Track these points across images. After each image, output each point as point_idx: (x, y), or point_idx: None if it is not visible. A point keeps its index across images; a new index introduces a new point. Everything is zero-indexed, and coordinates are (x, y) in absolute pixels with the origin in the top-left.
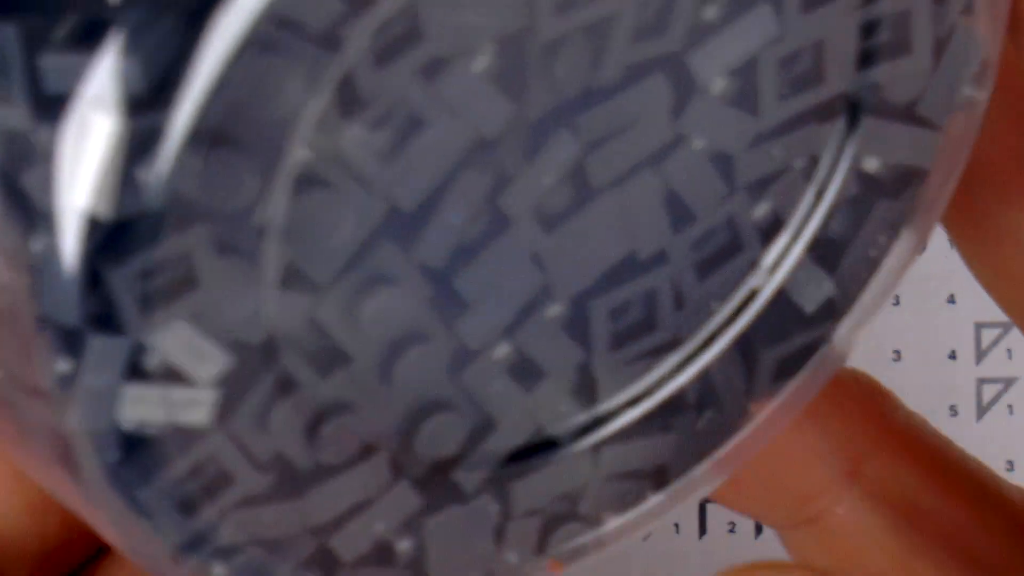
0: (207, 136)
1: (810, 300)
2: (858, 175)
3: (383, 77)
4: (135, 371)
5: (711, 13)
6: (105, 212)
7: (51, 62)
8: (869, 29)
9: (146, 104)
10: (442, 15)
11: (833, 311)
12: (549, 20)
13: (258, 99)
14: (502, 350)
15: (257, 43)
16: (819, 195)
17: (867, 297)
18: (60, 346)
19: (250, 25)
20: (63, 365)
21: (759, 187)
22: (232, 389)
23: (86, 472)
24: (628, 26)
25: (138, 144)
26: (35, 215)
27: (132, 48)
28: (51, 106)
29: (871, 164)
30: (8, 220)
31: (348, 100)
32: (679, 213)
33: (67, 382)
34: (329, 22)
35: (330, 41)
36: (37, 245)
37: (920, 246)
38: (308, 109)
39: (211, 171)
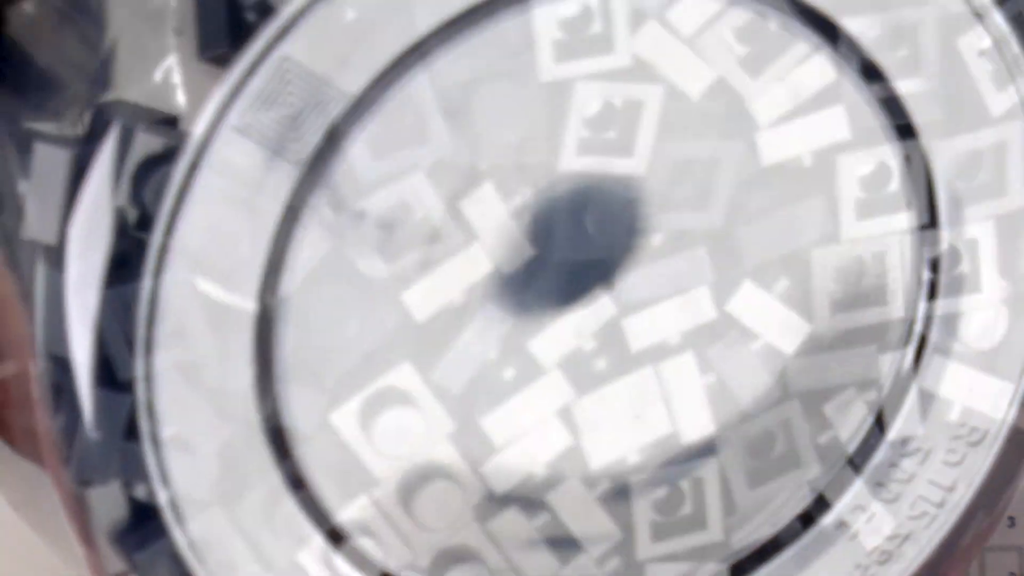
0: (207, 189)
1: (872, 536)
2: (923, 412)
3: (382, 169)
4: (135, 432)
5: (758, 200)
6: (104, 244)
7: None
8: (935, 261)
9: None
10: (453, 126)
11: (891, 553)
12: (571, 159)
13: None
14: (540, 519)
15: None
16: (880, 424)
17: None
18: (61, 398)
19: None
20: (63, 418)
21: (816, 400)
22: (235, 469)
23: (94, 534)
24: (656, 190)
25: (133, 178)
26: (35, 252)
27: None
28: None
29: (937, 405)
30: (8, 266)
31: (345, 195)
32: (726, 404)
33: (68, 434)
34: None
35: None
36: (40, 271)
37: (999, 512)
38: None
39: (208, 224)
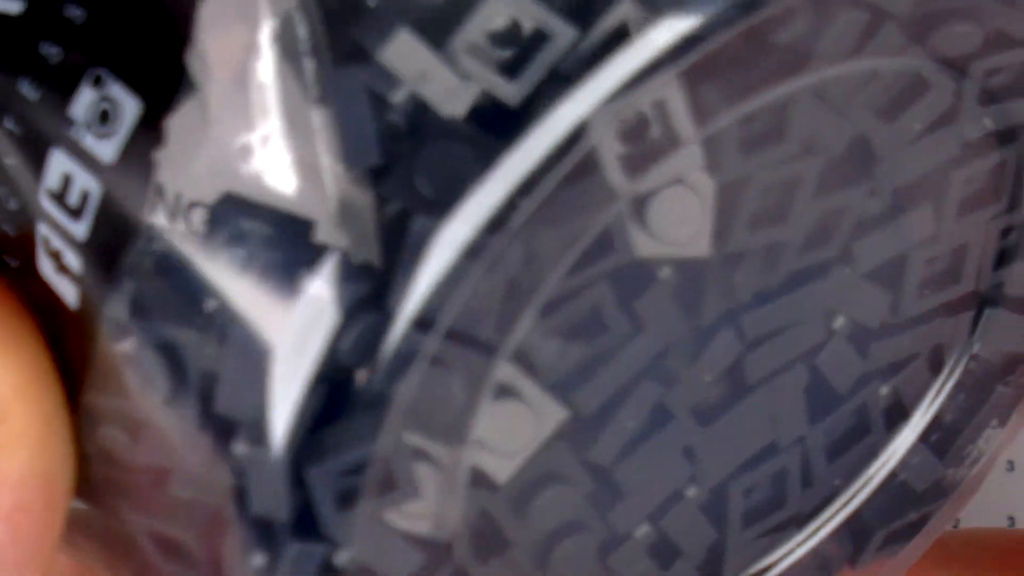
0: (422, 350)
1: (921, 481)
2: (977, 364)
3: (578, 287)
4: (328, 569)
5: (875, 206)
6: (318, 416)
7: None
8: (1006, 232)
9: (365, 309)
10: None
11: (943, 490)
12: (742, 234)
13: (472, 319)
14: (643, 530)
15: (470, 254)
16: (941, 383)
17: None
18: (258, 543)
19: (470, 237)
20: (259, 560)
21: (889, 373)
22: None
23: None
24: (800, 242)
25: (356, 350)
26: (241, 419)
27: (347, 262)
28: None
29: (990, 353)
30: (208, 425)
31: (547, 315)
32: (820, 404)
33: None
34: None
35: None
36: (240, 448)
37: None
38: (519, 327)
39: (424, 382)
